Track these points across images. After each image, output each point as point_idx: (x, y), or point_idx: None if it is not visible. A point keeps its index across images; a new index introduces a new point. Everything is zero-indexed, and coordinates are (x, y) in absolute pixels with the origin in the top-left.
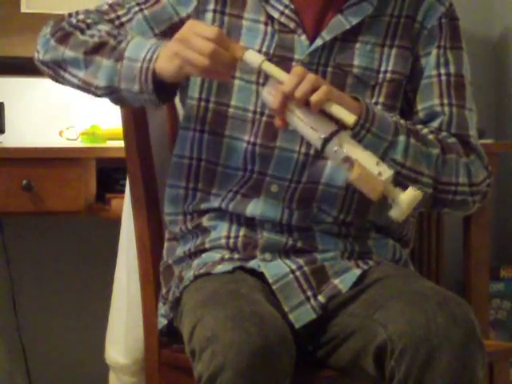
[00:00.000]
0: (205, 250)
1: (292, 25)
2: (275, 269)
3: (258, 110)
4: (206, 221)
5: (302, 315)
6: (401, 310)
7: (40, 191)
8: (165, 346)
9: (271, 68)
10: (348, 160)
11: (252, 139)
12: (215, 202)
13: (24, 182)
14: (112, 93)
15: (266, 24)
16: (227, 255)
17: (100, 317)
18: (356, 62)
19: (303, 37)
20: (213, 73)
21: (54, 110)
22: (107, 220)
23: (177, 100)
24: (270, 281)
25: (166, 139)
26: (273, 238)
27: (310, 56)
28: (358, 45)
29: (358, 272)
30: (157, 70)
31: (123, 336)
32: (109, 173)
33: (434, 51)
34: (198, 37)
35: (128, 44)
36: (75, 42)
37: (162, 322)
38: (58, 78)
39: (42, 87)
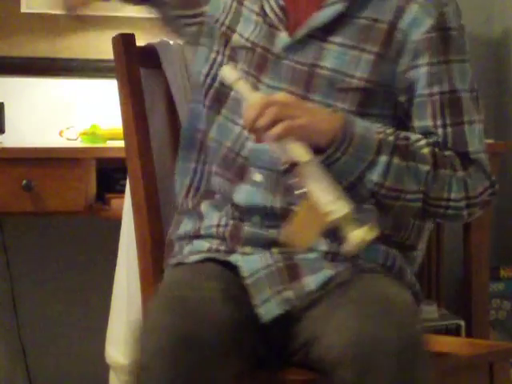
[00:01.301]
0: (200, 236)
1: (276, 21)
2: (252, 263)
3: None
4: (203, 206)
5: (269, 310)
6: (339, 320)
7: (40, 191)
8: None
9: (242, 89)
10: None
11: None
12: (214, 185)
13: (24, 181)
14: None
15: (258, 15)
16: (215, 245)
17: (100, 317)
18: (326, 63)
19: (284, 33)
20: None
21: (54, 110)
22: (107, 220)
23: (176, 99)
24: (245, 275)
25: (166, 139)
26: (255, 231)
27: (285, 52)
28: (330, 45)
29: (328, 273)
30: None
31: (123, 336)
32: (109, 173)
33: (425, 68)
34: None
35: None
36: None
37: None
38: None
39: (42, 87)
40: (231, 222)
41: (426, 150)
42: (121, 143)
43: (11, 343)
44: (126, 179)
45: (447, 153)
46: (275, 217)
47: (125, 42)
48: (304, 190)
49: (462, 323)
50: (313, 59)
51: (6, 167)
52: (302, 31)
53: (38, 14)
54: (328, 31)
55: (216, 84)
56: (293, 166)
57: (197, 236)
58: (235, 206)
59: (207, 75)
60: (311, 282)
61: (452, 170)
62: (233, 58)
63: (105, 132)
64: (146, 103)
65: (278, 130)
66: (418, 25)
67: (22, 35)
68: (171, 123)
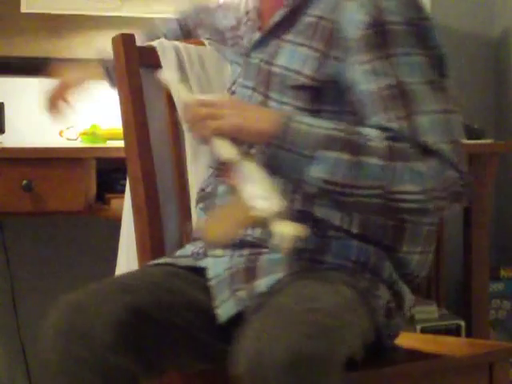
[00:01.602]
0: (194, 239)
1: (250, 22)
2: (218, 266)
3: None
4: (198, 207)
5: (225, 310)
6: (247, 333)
7: (40, 191)
8: None
9: (178, 91)
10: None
11: None
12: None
13: (24, 182)
14: None
15: (247, 17)
16: (197, 249)
17: None
18: (279, 60)
19: (257, 33)
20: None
21: None
22: (107, 220)
23: (176, 99)
24: (209, 277)
25: (166, 139)
26: None
27: (251, 51)
28: (284, 43)
29: (276, 277)
30: None
31: None
32: (109, 173)
33: (367, 66)
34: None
35: None
36: None
37: None
38: None
39: (41, 87)
40: None
41: (380, 144)
42: (121, 143)
43: (11, 343)
44: (125, 179)
45: (404, 145)
46: None
47: (125, 42)
48: (233, 186)
49: (462, 323)
50: (270, 57)
51: (6, 167)
52: (263, 30)
53: (38, 13)
54: (283, 29)
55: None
56: (224, 165)
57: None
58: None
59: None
60: (263, 283)
61: (408, 163)
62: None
63: (105, 132)
64: (146, 103)
65: (205, 129)
66: (354, 22)
67: (22, 35)
68: (171, 123)
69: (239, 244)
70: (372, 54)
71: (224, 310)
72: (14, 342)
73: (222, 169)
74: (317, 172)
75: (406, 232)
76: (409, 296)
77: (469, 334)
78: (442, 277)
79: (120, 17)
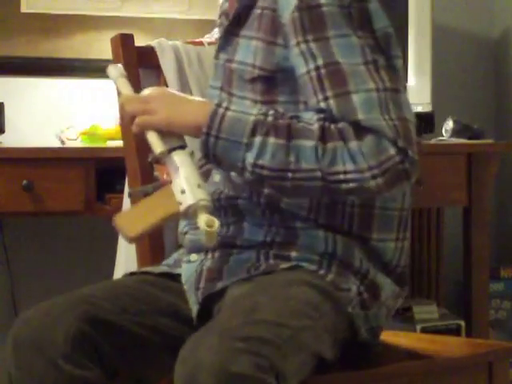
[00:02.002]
0: (179, 246)
1: (219, 20)
2: (189, 270)
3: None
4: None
5: (194, 312)
6: (188, 350)
7: (40, 191)
8: None
9: (120, 86)
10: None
11: None
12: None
13: (24, 182)
14: None
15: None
16: (179, 256)
17: None
18: (236, 56)
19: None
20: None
21: (54, 110)
22: (107, 220)
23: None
24: (183, 282)
25: None
26: (195, 238)
27: (218, 52)
28: (240, 39)
29: (235, 279)
30: None
31: None
32: (109, 173)
33: (297, 49)
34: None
35: None
36: None
37: None
38: None
39: (41, 87)
40: (188, 229)
41: (313, 126)
42: (121, 143)
43: None
44: (125, 179)
45: (339, 125)
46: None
47: (123, 43)
48: (159, 181)
49: (462, 323)
50: (231, 55)
51: (6, 167)
52: (222, 31)
53: (38, 13)
54: (239, 26)
55: None
56: (156, 159)
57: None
58: None
59: None
60: (220, 285)
61: (342, 142)
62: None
63: (105, 132)
64: None
65: (134, 125)
66: (286, 7)
67: (22, 35)
68: None
69: (213, 246)
70: (301, 37)
71: (194, 311)
72: None
73: (156, 163)
74: (247, 157)
75: (375, 218)
76: (389, 286)
77: (469, 334)
78: (441, 277)
79: (120, 17)
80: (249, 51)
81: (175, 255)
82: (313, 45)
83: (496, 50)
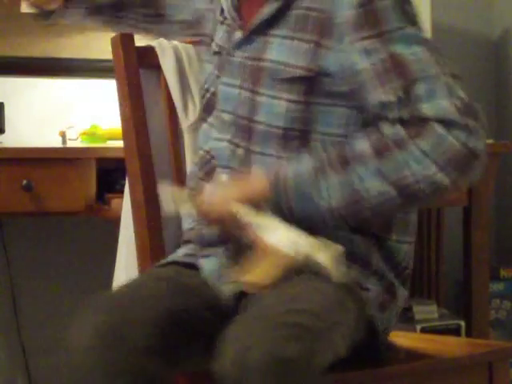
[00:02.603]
0: (185, 242)
1: (231, 21)
2: (210, 263)
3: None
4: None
5: (228, 290)
6: (228, 339)
7: (40, 191)
8: None
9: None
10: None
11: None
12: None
13: (24, 181)
14: None
15: (222, 17)
16: (190, 251)
17: None
18: (269, 55)
19: (238, 32)
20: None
21: (54, 110)
22: (107, 220)
23: (175, 99)
24: (206, 275)
25: (165, 139)
26: (211, 233)
27: (235, 49)
28: (272, 39)
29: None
30: None
31: None
32: (109, 173)
33: (357, 45)
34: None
35: None
36: None
37: None
38: None
39: (41, 87)
40: (197, 226)
41: (365, 147)
42: (121, 143)
43: (11, 343)
44: (125, 179)
45: (393, 130)
46: None
47: (124, 42)
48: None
49: (462, 323)
50: (257, 53)
51: (6, 167)
52: (248, 29)
53: None
54: (270, 26)
55: (208, 94)
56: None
57: (184, 241)
58: None
59: (204, 86)
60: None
61: (405, 147)
62: (216, 66)
63: (105, 132)
64: (146, 103)
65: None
66: (342, 6)
67: (22, 35)
68: (171, 123)
69: (224, 240)
70: (364, 33)
71: (227, 289)
72: (14, 342)
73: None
74: (322, 207)
75: (396, 220)
76: (401, 291)
77: (469, 334)
78: (441, 277)
79: None
80: (286, 51)
81: (182, 250)
82: (374, 40)
83: (496, 50)
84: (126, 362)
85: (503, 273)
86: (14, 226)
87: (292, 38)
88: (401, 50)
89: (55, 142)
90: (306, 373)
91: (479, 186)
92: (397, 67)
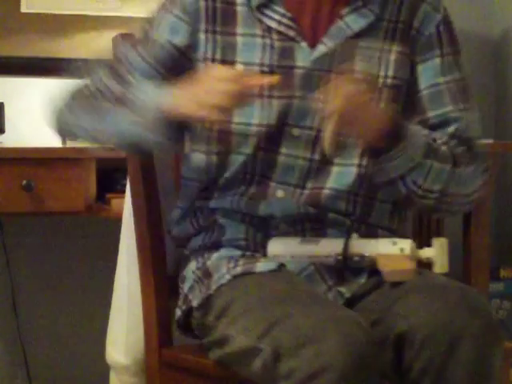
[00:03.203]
0: (221, 246)
1: (291, 33)
2: (292, 264)
3: (262, 122)
4: (220, 217)
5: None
6: (421, 301)
7: (40, 191)
8: (165, 345)
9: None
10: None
11: (252, 151)
12: (224, 202)
13: (24, 182)
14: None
15: (262, 37)
16: (248, 252)
17: (100, 317)
18: (357, 67)
19: (304, 44)
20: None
21: None
22: (107, 220)
23: None
24: (295, 273)
25: None
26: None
27: (313, 63)
28: (357, 50)
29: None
30: (170, 111)
31: (124, 336)
32: (109, 173)
33: (438, 59)
34: (215, 80)
35: (136, 92)
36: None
37: (177, 312)
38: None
39: (41, 87)
40: (258, 234)
41: (444, 149)
42: None
43: (11, 343)
44: (126, 179)
45: (458, 150)
46: (302, 224)
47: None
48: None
49: None
50: (342, 65)
51: (6, 167)
52: (332, 41)
53: (38, 13)
54: (353, 36)
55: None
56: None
57: (218, 245)
58: (260, 219)
59: None
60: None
61: (465, 168)
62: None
63: None
64: None
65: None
66: (429, 20)
67: (22, 35)
68: None
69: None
70: (444, 49)
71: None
72: (14, 342)
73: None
74: (415, 176)
75: (408, 220)
76: None
77: None
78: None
79: (120, 17)
80: (372, 62)
81: (236, 251)
82: (451, 58)
83: (496, 50)
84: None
85: (503, 273)
86: (14, 226)
87: (380, 50)
88: (463, 74)
89: (55, 142)
90: (501, 342)
91: None
92: (465, 91)
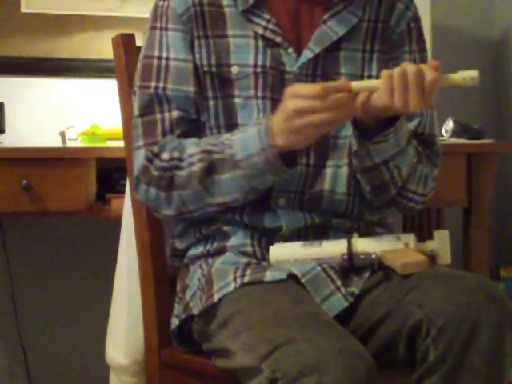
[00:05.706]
0: (226, 252)
1: (278, 39)
2: (297, 267)
3: None
4: (223, 225)
5: (335, 304)
6: (437, 289)
7: (40, 191)
8: (164, 346)
9: (362, 84)
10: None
11: None
12: (227, 213)
13: (24, 182)
14: (246, 198)
15: (255, 38)
16: (254, 260)
17: (100, 317)
18: (342, 69)
19: (290, 49)
20: (341, 118)
21: (54, 110)
22: (107, 220)
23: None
24: (299, 275)
25: None
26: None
27: (300, 68)
28: (342, 53)
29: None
30: (280, 149)
31: (124, 336)
32: (109, 173)
33: (407, 56)
34: (305, 99)
35: (232, 147)
36: (183, 180)
37: (175, 322)
38: (189, 218)
39: (41, 87)
40: (263, 240)
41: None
42: (121, 143)
43: (11, 343)
44: (126, 179)
45: (420, 148)
46: (306, 230)
47: (124, 42)
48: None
49: None
50: (328, 69)
51: (6, 167)
52: (317, 46)
53: (38, 13)
54: (339, 40)
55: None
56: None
57: (221, 252)
58: (265, 229)
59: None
60: (366, 272)
61: (424, 166)
62: (231, 95)
63: (105, 132)
64: None
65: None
66: (401, 18)
67: (22, 35)
68: None
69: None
70: (414, 46)
71: (332, 304)
72: (14, 342)
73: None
74: (398, 161)
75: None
76: None
77: None
78: None
79: (120, 17)
80: (357, 63)
81: (229, 275)
82: (419, 54)
83: (496, 50)
84: None
85: (503, 273)
86: (13, 225)
87: (363, 51)
88: None
89: (55, 142)
90: None
91: (479, 186)
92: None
